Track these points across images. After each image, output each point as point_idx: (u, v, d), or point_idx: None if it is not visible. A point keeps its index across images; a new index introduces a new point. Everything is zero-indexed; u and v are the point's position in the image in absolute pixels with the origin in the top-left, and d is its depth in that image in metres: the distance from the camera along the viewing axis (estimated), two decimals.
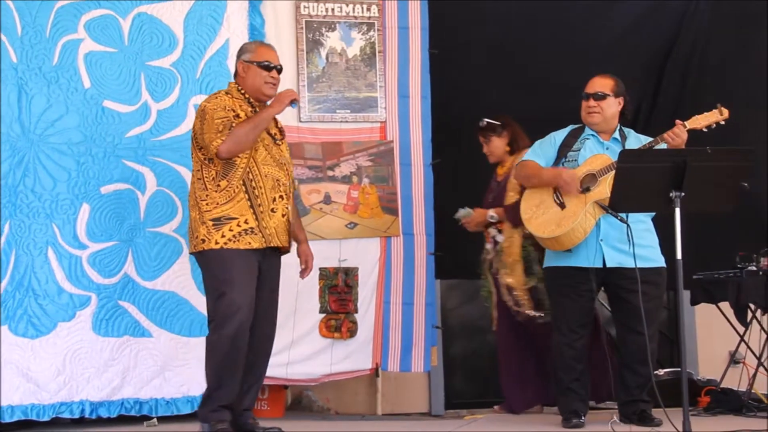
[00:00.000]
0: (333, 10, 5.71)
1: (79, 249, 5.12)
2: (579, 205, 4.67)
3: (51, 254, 5.06)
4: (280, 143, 4.53)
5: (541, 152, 4.90)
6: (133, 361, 5.12)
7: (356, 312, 5.57)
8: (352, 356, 5.57)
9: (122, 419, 5.06)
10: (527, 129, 5.46)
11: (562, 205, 4.72)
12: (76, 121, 5.18)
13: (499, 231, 5.35)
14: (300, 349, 5.40)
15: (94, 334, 5.08)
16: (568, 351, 4.78)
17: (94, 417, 5.02)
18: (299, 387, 5.92)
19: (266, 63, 4.49)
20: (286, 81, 5.48)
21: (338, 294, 5.56)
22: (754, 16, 6.21)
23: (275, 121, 4.58)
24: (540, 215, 4.76)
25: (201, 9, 5.42)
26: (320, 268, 5.48)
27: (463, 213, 5.56)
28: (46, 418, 4.93)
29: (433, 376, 5.89)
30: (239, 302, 4.24)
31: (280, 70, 4.55)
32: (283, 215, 4.41)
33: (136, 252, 5.21)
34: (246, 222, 4.32)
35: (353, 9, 5.74)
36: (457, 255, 5.91)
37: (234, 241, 4.29)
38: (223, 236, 4.29)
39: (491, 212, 5.39)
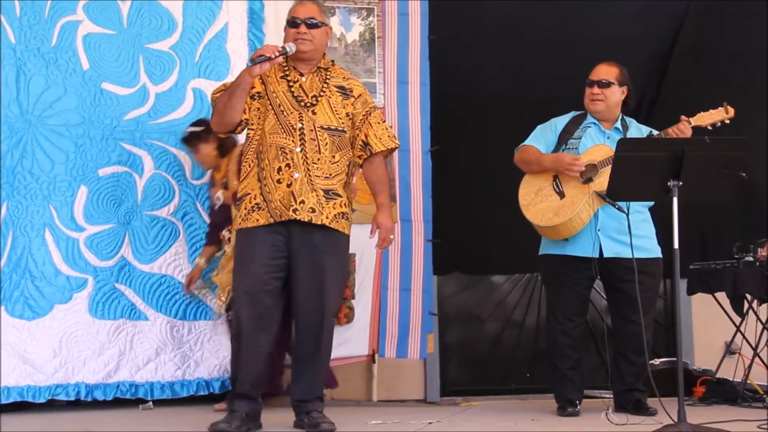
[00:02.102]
0: None
1: (76, 231, 5.11)
2: (578, 195, 4.65)
3: (48, 236, 5.06)
4: (312, 105, 4.12)
5: (542, 137, 4.86)
6: (129, 344, 5.13)
7: (353, 298, 5.56)
8: (348, 342, 5.56)
9: (117, 402, 5.07)
10: (525, 117, 5.42)
11: (561, 194, 4.70)
12: (74, 102, 5.17)
13: (228, 230, 5.06)
14: None
15: (90, 316, 5.08)
16: (564, 339, 4.77)
17: (89, 399, 5.02)
18: None
19: (292, 20, 4.17)
20: None
21: None
22: (755, 11, 6.20)
23: (320, 80, 4.19)
24: (538, 202, 4.74)
25: None
26: None
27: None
28: (41, 400, 4.94)
29: (429, 363, 5.89)
30: (241, 285, 4.10)
31: (311, 25, 4.14)
32: (288, 185, 4.05)
33: (133, 235, 5.20)
34: (255, 198, 4.11)
35: None
36: (456, 244, 5.91)
37: (245, 220, 4.11)
38: (239, 215, 4.15)
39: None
